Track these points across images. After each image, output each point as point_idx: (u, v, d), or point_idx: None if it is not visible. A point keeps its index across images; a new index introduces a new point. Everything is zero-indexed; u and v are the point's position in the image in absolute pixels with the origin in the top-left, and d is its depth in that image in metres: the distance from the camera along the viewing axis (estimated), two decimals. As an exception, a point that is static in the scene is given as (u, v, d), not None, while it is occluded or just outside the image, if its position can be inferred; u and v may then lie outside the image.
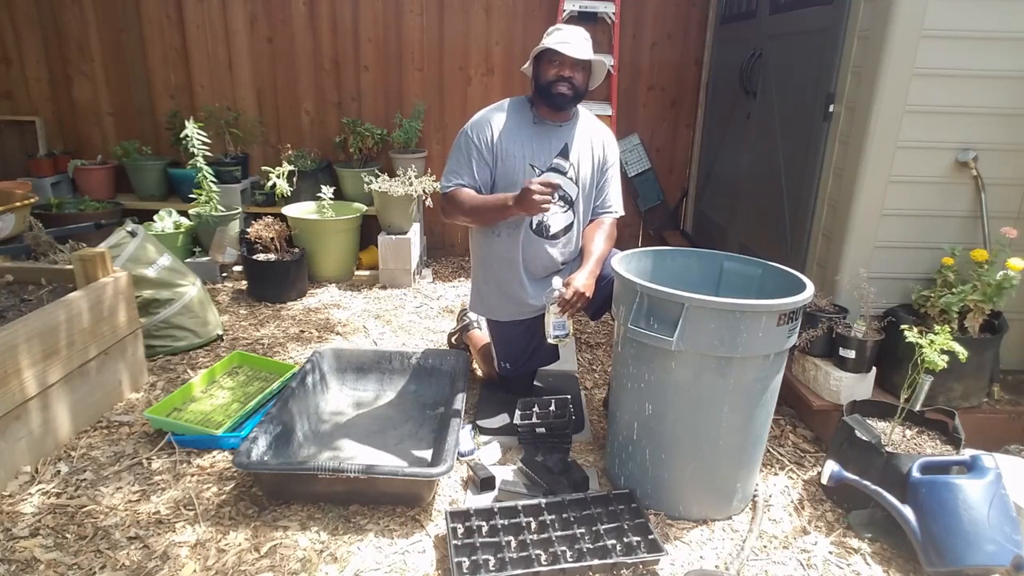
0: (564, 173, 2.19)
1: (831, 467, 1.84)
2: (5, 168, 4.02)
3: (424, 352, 2.56)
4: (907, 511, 1.71)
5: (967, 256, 2.15)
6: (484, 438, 2.28)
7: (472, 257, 2.40)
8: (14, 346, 1.92)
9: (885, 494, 1.76)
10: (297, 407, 2.21)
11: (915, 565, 1.73)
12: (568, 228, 2.25)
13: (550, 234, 2.23)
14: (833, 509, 1.97)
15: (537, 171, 2.16)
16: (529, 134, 2.17)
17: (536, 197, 1.95)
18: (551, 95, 2.11)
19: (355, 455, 2.13)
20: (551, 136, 2.19)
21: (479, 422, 2.32)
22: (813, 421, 2.36)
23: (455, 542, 1.69)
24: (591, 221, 2.31)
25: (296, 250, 3.58)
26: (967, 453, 1.80)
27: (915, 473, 1.73)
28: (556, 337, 2.09)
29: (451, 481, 2.04)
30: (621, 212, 2.33)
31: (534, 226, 2.21)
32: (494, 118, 2.17)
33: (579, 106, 2.25)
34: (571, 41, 2.06)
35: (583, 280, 2.06)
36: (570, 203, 2.23)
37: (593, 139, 2.26)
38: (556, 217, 2.22)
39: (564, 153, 2.19)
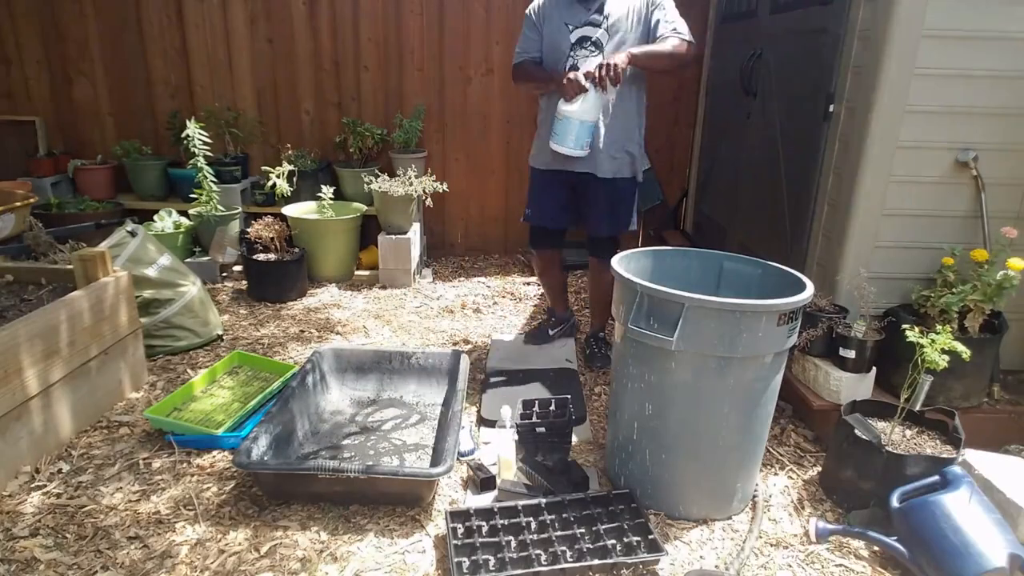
0: (598, 26, 2.46)
1: (815, 524, 1.83)
2: (5, 168, 4.01)
3: (424, 352, 2.56)
4: (898, 545, 1.71)
5: (967, 256, 2.15)
6: (484, 438, 2.28)
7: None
8: (15, 345, 1.92)
9: (872, 534, 1.77)
10: (297, 407, 2.21)
11: (915, 565, 1.73)
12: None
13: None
14: (833, 509, 1.97)
15: (570, 27, 2.47)
16: (569, 1, 2.49)
17: (565, 85, 2.34)
18: None
19: (355, 455, 2.13)
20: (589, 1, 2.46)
21: (483, 414, 2.36)
22: (813, 421, 2.36)
23: (455, 542, 1.69)
24: None
25: (296, 250, 3.58)
26: (938, 469, 1.78)
27: (895, 504, 1.74)
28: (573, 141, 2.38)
29: (451, 481, 2.04)
30: (686, 36, 2.46)
31: (567, 69, 2.46)
32: None
33: None
34: None
35: (619, 55, 2.33)
36: (600, 47, 2.46)
37: None
38: (588, 61, 2.45)
39: (599, 9, 2.46)
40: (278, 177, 3.65)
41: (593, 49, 2.46)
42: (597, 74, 2.28)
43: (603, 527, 1.76)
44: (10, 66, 4.04)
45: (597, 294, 2.88)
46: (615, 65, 2.27)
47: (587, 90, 2.31)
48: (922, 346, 1.78)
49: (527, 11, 2.59)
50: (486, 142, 4.28)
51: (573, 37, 2.47)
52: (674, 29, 2.44)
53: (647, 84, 2.58)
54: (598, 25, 2.45)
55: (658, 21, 2.45)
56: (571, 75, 2.32)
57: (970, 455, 1.91)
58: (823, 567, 1.74)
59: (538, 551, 1.69)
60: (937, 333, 1.80)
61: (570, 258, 4.09)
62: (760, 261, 2.05)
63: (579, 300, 3.66)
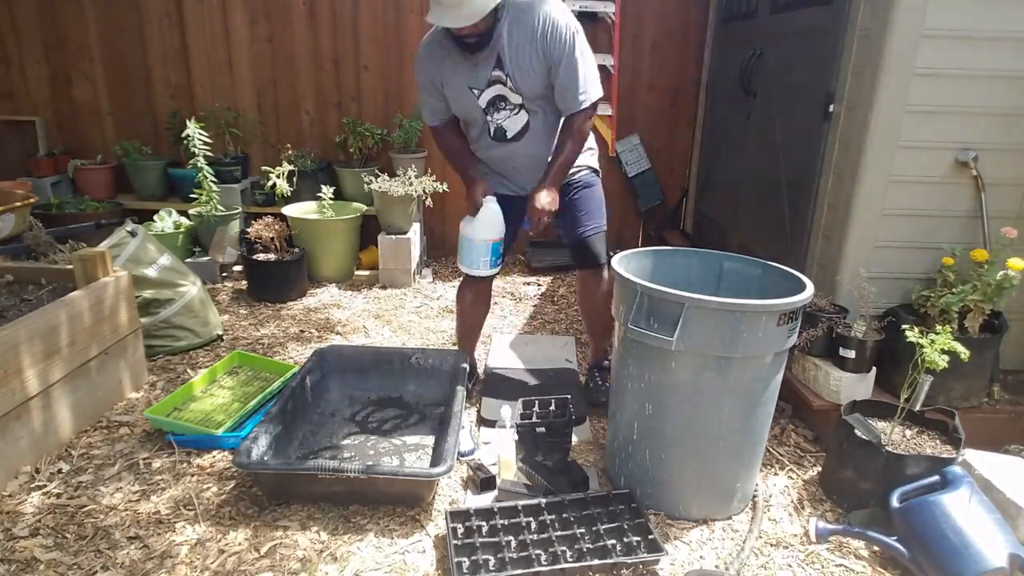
0: (504, 84, 2.10)
1: (815, 524, 1.83)
2: (5, 168, 4.01)
3: (424, 352, 2.56)
4: (898, 544, 1.71)
5: (967, 256, 2.15)
6: (484, 438, 2.28)
7: None
8: (15, 346, 1.92)
9: (872, 534, 1.77)
10: (297, 407, 2.21)
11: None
12: (526, 128, 2.17)
13: (509, 137, 2.19)
14: (833, 509, 1.97)
15: (476, 92, 2.12)
16: (460, 57, 2.08)
17: (468, 204, 2.18)
18: (461, 44, 2.03)
19: (355, 455, 2.13)
20: (482, 53, 2.05)
21: (483, 414, 2.35)
22: (813, 421, 2.36)
23: (455, 542, 1.69)
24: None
25: (296, 250, 3.58)
26: (938, 469, 1.79)
27: (895, 504, 1.74)
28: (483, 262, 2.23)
29: (451, 481, 2.04)
30: (587, 102, 2.09)
31: (492, 133, 2.20)
32: (428, 52, 2.16)
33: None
34: (446, 5, 1.90)
35: (543, 198, 2.10)
36: (519, 105, 2.14)
37: (533, 34, 2.01)
38: (509, 121, 2.17)
39: (499, 64, 2.06)
40: (278, 177, 3.65)
41: (514, 108, 2.15)
42: (539, 224, 2.11)
43: (603, 527, 1.76)
44: (10, 66, 4.04)
45: (594, 314, 2.48)
46: (550, 212, 2.11)
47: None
48: (922, 346, 1.78)
49: (416, 76, 2.22)
50: (486, 142, 4.28)
51: (483, 101, 2.13)
52: (572, 102, 2.08)
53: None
54: (504, 82, 2.09)
55: (559, 78, 2.04)
56: (479, 195, 2.17)
57: (970, 455, 1.91)
58: (823, 567, 1.74)
59: (538, 551, 1.69)
60: (937, 333, 1.80)
61: (565, 259, 4.10)
62: (760, 261, 2.05)
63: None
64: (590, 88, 2.09)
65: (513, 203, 2.30)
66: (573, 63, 2.03)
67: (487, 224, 2.19)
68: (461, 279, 2.52)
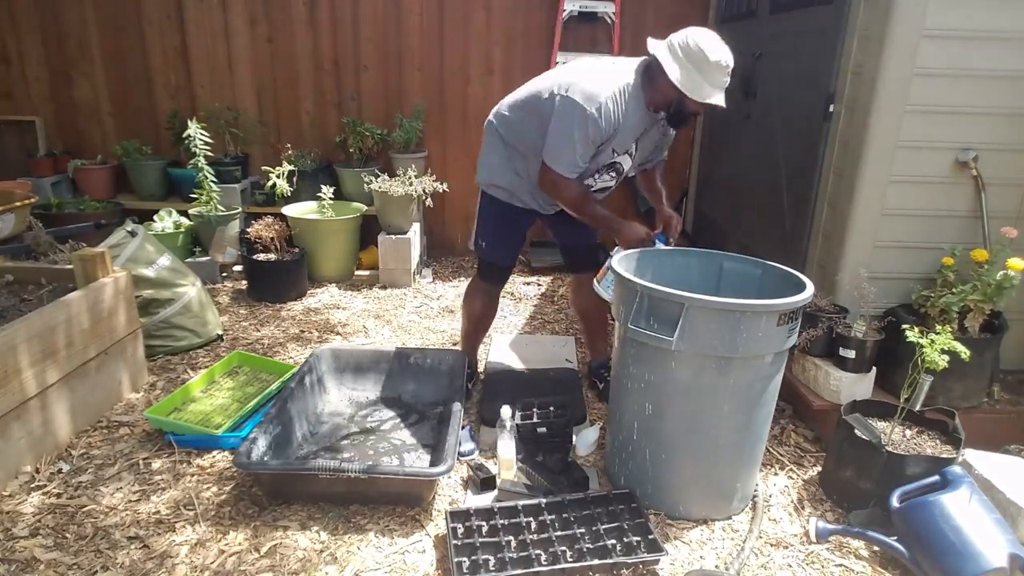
0: (631, 153, 2.22)
1: (815, 524, 1.84)
2: (5, 168, 4.02)
3: (423, 352, 2.56)
4: (898, 544, 1.71)
5: (967, 256, 2.15)
6: (484, 438, 2.28)
7: (502, 141, 2.28)
8: (14, 346, 1.92)
9: (872, 534, 1.78)
10: (296, 407, 2.20)
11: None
12: (606, 190, 2.31)
13: (590, 191, 2.25)
14: (833, 509, 1.97)
15: (616, 153, 2.15)
16: (637, 122, 2.11)
17: (643, 241, 2.18)
18: (681, 120, 2.14)
19: (355, 455, 2.13)
20: (641, 122, 2.13)
21: (483, 414, 2.35)
22: (813, 421, 2.36)
23: (455, 542, 1.69)
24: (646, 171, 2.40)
25: (296, 250, 3.58)
26: (938, 469, 1.78)
27: (895, 504, 1.74)
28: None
29: (451, 481, 2.04)
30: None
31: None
32: (622, 110, 2.05)
33: None
34: (724, 88, 2.05)
35: (669, 211, 2.27)
36: (620, 174, 2.27)
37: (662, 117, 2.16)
38: (603, 179, 2.25)
39: (641, 136, 2.19)
40: (278, 177, 3.65)
41: (616, 178, 2.28)
42: (675, 231, 2.24)
43: (603, 527, 1.76)
44: (10, 66, 4.04)
45: (591, 309, 2.59)
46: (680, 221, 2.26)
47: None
48: (922, 346, 1.78)
49: (600, 123, 2.01)
50: (486, 142, 4.28)
51: (606, 161, 2.17)
52: (664, 157, 2.42)
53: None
54: (632, 152, 2.22)
55: (662, 147, 2.36)
56: (645, 232, 2.19)
57: (970, 455, 1.91)
58: (823, 567, 1.74)
59: (538, 551, 1.69)
60: (937, 333, 1.80)
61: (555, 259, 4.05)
62: (760, 261, 2.05)
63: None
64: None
65: (529, 216, 2.40)
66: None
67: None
68: (469, 281, 2.56)
